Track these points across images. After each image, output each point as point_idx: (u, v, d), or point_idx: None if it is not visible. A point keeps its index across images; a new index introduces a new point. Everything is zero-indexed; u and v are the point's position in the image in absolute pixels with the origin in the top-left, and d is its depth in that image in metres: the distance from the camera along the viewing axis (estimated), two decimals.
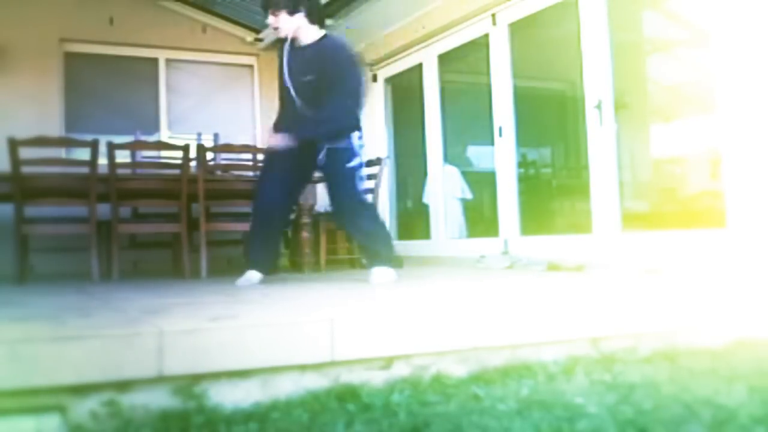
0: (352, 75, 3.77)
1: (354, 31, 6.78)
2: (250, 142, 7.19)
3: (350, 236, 4.42)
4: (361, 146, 3.87)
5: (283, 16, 3.73)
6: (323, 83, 3.68)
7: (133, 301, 2.95)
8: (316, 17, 3.83)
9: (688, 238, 3.97)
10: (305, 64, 3.74)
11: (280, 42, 3.95)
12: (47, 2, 6.73)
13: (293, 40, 3.81)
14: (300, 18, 3.74)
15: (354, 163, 3.81)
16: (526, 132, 5.78)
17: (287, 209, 4.21)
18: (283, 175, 3.89)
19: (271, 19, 3.80)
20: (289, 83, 3.80)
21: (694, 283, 3.04)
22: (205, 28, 7.35)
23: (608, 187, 4.58)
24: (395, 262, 3.98)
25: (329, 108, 3.70)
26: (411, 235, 7.02)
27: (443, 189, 6.42)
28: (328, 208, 6.37)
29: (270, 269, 4.00)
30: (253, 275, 3.87)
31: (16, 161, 4.55)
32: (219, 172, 5.74)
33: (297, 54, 3.80)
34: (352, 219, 3.94)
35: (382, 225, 4.11)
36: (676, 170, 5.75)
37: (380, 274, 3.80)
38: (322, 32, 3.84)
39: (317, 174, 4.13)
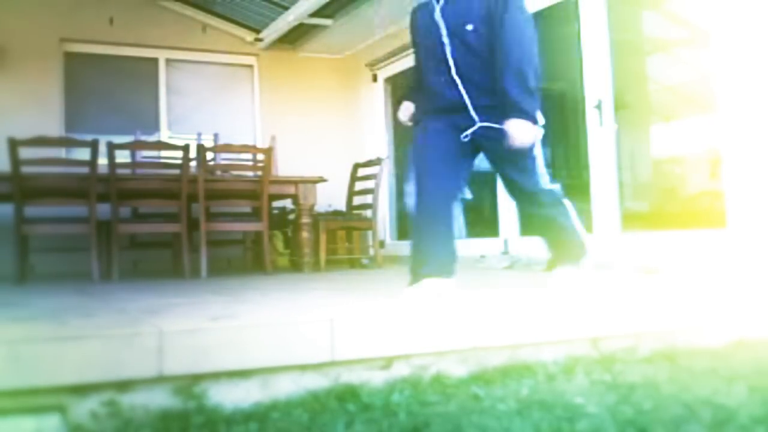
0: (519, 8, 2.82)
1: (354, 31, 6.79)
2: (250, 142, 7.19)
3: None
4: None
5: None
6: (487, 32, 2.80)
7: (133, 301, 2.95)
8: None
9: (688, 238, 3.96)
10: (460, 9, 2.85)
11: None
12: (47, 2, 6.73)
13: None
14: None
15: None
16: None
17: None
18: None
19: None
20: (445, 40, 2.84)
21: (694, 283, 3.04)
22: (205, 28, 7.34)
23: (608, 187, 4.58)
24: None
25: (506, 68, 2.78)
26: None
27: None
28: (328, 208, 6.41)
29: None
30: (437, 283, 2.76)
31: (16, 161, 4.55)
32: (219, 172, 5.74)
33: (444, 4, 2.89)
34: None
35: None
36: (676, 170, 5.74)
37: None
38: None
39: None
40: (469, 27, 2.83)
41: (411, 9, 3.17)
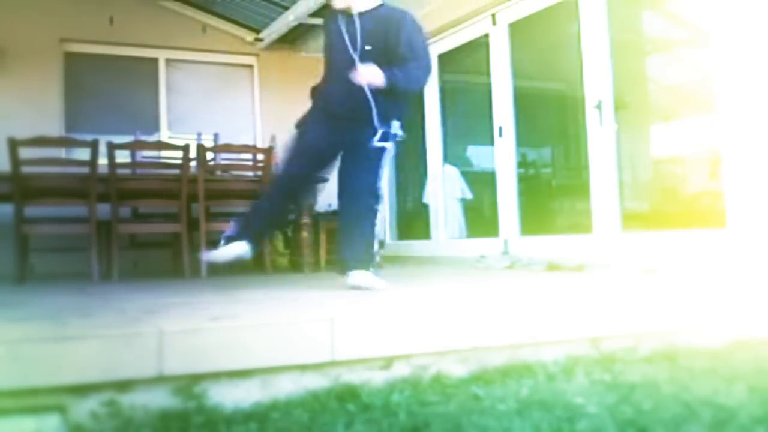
0: (422, 46, 3.45)
1: None
2: (250, 142, 7.19)
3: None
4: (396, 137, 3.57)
5: None
6: (384, 53, 3.37)
7: (133, 301, 2.95)
8: None
9: (688, 238, 3.96)
10: (364, 32, 3.41)
11: (329, 13, 3.68)
12: (47, 2, 6.73)
13: (345, 9, 3.51)
14: None
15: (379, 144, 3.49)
16: (526, 132, 5.77)
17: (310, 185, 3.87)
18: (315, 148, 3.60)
19: None
20: (352, 53, 3.40)
21: (694, 283, 3.04)
22: (205, 28, 7.34)
23: (608, 187, 4.58)
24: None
25: (404, 70, 3.36)
26: (411, 235, 7.01)
27: (443, 189, 6.42)
28: (328, 208, 6.41)
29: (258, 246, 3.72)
30: (238, 246, 3.53)
31: (16, 161, 4.55)
32: (219, 172, 5.74)
33: (352, 23, 3.46)
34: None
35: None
36: (676, 170, 5.75)
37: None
38: (379, 1, 3.52)
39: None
40: (368, 47, 3.37)
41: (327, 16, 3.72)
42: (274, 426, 1.69)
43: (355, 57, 3.38)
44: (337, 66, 3.50)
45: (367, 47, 3.39)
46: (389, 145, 3.52)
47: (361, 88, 3.35)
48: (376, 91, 3.36)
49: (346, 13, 3.48)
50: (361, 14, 3.45)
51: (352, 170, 3.52)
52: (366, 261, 3.44)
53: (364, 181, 3.49)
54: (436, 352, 2.14)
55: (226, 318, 2.12)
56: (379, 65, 3.31)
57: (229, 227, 3.71)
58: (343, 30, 3.46)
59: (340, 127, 3.50)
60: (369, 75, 3.29)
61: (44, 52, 6.70)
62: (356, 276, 3.36)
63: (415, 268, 5.53)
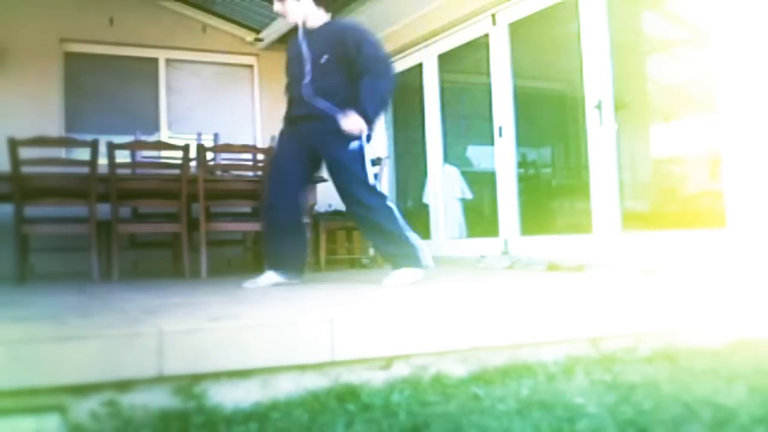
0: (375, 51, 3.63)
1: None
2: (250, 142, 7.19)
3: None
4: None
5: (290, 2, 3.72)
6: (345, 64, 3.59)
7: (133, 301, 2.95)
8: (323, 2, 3.77)
9: (688, 238, 3.97)
10: (319, 45, 3.65)
11: (290, 33, 3.91)
12: (47, 2, 6.73)
13: (303, 26, 3.77)
14: (307, 3, 3.72)
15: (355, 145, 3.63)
16: (526, 132, 5.77)
17: (294, 207, 3.84)
18: (291, 171, 3.77)
19: (277, 6, 3.78)
20: (307, 65, 3.65)
21: (694, 283, 3.04)
22: (205, 28, 7.35)
23: (608, 187, 4.58)
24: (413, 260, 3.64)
25: (368, 87, 3.56)
26: None
27: (443, 189, 6.43)
28: (329, 208, 6.41)
29: (295, 271, 3.80)
30: (270, 276, 3.74)
31: (16, 161, 4.55)
32: (219, 172, 5.74)
33: (308, 39, 3.72)
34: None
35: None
36: (676, 170, 5.75)
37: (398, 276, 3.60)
38: (329, 16, 3.80)
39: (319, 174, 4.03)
40: (323, 60, 3.60)
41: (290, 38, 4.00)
42: (274, 426, 1.69)
43: (309, 68, 3.63)
44: (294, 79, 3.74)
45: (322, 60, 3.61)
46: (358, 144, 3.63)
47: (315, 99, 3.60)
48: (335, 104, 3.57)
49: (305, 30, 3.74)
50: (314, 29, 3.72)
51: (341, 184, 3.69)
52: (408, 257, 3.62)
53: (356, 187, 3.62)
54: (436, 352, 2.14)
55: (227, 318, 2.12)
56: (335, 76, 3.60)
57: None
58: (301, 45, 3.71)
59: (303, 132, 3.70)
60: (352, 125, 3.51)
61: (44, 52, 6.71)
62: (396, 276, 3.57)
63: None
